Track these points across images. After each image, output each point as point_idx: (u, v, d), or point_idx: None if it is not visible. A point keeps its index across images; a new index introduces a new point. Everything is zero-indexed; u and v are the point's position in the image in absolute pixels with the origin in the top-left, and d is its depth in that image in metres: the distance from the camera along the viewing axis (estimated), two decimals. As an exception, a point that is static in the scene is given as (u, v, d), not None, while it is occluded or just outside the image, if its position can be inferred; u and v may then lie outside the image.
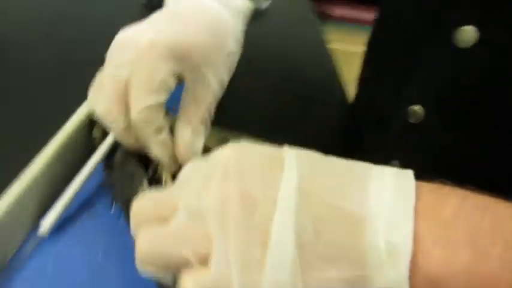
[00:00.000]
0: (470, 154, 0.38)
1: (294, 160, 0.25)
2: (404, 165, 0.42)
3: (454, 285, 0.23)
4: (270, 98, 0.63)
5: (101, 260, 0.39)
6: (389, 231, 0.23)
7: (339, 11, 1.74)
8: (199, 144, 0.37)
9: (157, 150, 0.36)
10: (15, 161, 0.39)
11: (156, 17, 0.39)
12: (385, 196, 0.24)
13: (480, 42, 0.33)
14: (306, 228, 0.23)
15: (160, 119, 0.35)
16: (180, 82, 0.37)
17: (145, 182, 0.37)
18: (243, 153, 0.26)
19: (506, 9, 0.32)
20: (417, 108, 0.39)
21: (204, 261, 0.24)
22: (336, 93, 0.68)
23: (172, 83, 0.35)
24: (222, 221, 0.24)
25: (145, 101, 0.33)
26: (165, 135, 0.36)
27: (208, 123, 0.38)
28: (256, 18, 0.48)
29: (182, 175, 0.28)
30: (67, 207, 0.41)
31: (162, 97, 0.34)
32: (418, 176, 0.25)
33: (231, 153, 0.26)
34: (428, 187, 0.25)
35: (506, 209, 0.24)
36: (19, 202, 0.37)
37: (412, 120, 0.39)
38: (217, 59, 0.37)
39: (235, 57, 0.41)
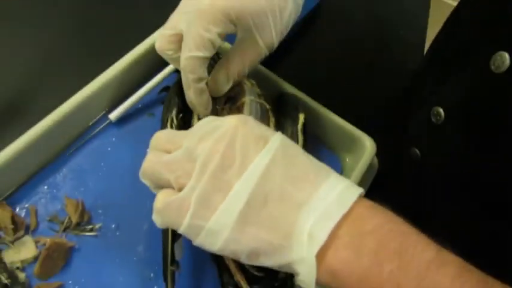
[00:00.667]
0: (479, 170, 0.41)
1: (275, 144, 0.31)
2: (422, 153, 0.47)
3: (349, 283, 0.29)
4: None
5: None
6: (317, 223, 0.29)
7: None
8: (225, 89, 0.43)
9: (192, 96, 0.42)
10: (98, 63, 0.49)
11: None
12: (328, 198, 0.30)
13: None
14: (258, 196, 0.30)
15: (202, 70, 0.40)
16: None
17: (175, 110, 0.44)
18: (242, 126, 0.32)
19: None
20: (440, 110, 0.42)
21: (180, 189, 0.32)
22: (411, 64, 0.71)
23: (219, 42, 0.39)
24: (203, 166, 0.31)
25: (192, 53, 0.38)
26: (202, 85, 0.41)
27: (245, 74, 0.44)
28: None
29: (197, 125, 0.35)
30: (133, 105, 0.51)
31: (208, 53, 0.39)
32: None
33: (234, 124, 0.32)
34: (366, 204, 0.31)
35: (415, 238, 0.29)
36: (94, 96, 0.48)
37: (433, 119, 0.43)
38: (270, 23, 0.40)
39: (291, 19, 0.42)
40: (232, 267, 0.37)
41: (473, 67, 0.39)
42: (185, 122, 0.46)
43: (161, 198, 0.32)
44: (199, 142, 0.32)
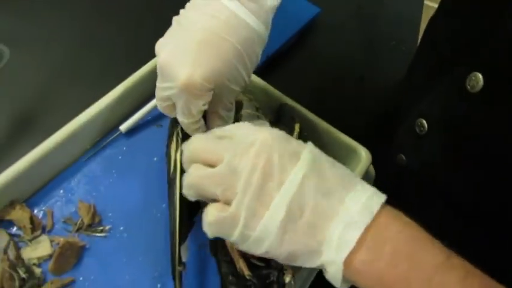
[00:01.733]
0: (458, 181, 0.43)
1: (307, 159, 0.35)
2: (407, 160, 0.49)
3: (368, 280, 0.33)
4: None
5: (156, 162, 0.54)
6: (344, 231, 0.32)
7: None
8: (230, 121, 0.46)
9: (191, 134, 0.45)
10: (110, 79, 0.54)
11: (187, 44, 0.40)
12: (353, 208, 0.33)
13: (485, 89, 0.37)
14: (295, 206, 0.33)
15: (196, 126, 0.44)
16: None
17: (180, 127, 0.47)
18: (277, 142, 0.35)
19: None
20: (423, 121, 0.45)
21: (226, 201, 0.35)
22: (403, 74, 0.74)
23: (205, 108, 0.42)
24: (247, 182, 0.34)
25: (184, 119, 0.43)
26: (200, 131, 0.44)
27: (233, 107, 0.47)
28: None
29: (235, 129, 0.38)
30: (142, 118, 0.56)
31: (197, 117, 0.43)
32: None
33: (270, 140, 0.35)
34: (388, 213, 0.34)
35: (427, 243, 0.33)
36: (107, 109, 0.53)
37: (417, 130, 0.45)
38: (244, 71, 0.42)
39: (260, 55, 0.44)
40: (235, 256, 0.40)
41: (450, 85, 0.41)
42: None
43: (213, 213, 0.35)
44: (241, 157, 0.35)
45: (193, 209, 0.48)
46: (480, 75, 0.36)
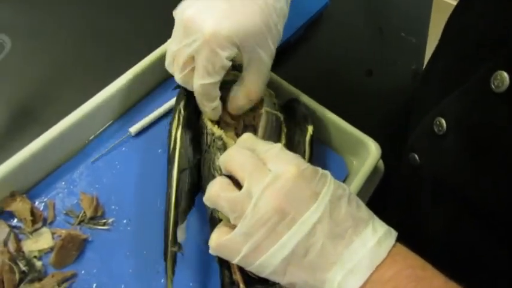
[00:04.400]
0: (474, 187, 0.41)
1: (325, 201, 0.34)
2: (421, 160, 0.47)
3: None
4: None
5: (160, 153, 0.52)
6: (345, 279, 0.33)
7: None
8: (246, 108, 0.46)
9: (207, 113, 0.45)
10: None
11: (216, 2, 0.41)
12: (359, 254, 0.33)
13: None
14: (301, 247, 0.33)
15: (215, 92, 0.43)
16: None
17: (183, 102, 0.46)
18: (300, 178, 0.35)
19: None
20: (443, 121, 0.43)
21: (235, 226, 0.35)
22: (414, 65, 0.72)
23: (229, 64, 0.41)
24: (258, 215, 0.34)
25: (204, 80, 0.41)
26: (215, 104, 0.44)
27: (263, 91, 0.46)
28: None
29: (270, 153, 0.37)
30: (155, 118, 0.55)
31: (219, 77, 0.42)
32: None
33: (295, 175, 0.35)
34: (394, 250, 0.34)
35: (427, 283, 0.32)
36: (110, 100, 0.52)
37: (435, 129, 0.44)
38: (269, 38, 0.42)
39: (283, 25, 0.44)
40: (234, 267, 0.39)
41: (474, 84, 0.39)
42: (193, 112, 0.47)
43: (215, 239, 0.36)
44: (260, 188, 0.34)
45: (194, 188, 0.46)
46: (506, 74, 0.35)
